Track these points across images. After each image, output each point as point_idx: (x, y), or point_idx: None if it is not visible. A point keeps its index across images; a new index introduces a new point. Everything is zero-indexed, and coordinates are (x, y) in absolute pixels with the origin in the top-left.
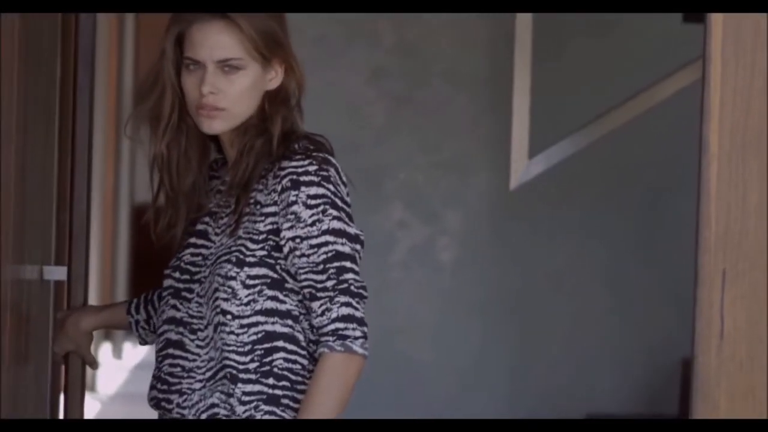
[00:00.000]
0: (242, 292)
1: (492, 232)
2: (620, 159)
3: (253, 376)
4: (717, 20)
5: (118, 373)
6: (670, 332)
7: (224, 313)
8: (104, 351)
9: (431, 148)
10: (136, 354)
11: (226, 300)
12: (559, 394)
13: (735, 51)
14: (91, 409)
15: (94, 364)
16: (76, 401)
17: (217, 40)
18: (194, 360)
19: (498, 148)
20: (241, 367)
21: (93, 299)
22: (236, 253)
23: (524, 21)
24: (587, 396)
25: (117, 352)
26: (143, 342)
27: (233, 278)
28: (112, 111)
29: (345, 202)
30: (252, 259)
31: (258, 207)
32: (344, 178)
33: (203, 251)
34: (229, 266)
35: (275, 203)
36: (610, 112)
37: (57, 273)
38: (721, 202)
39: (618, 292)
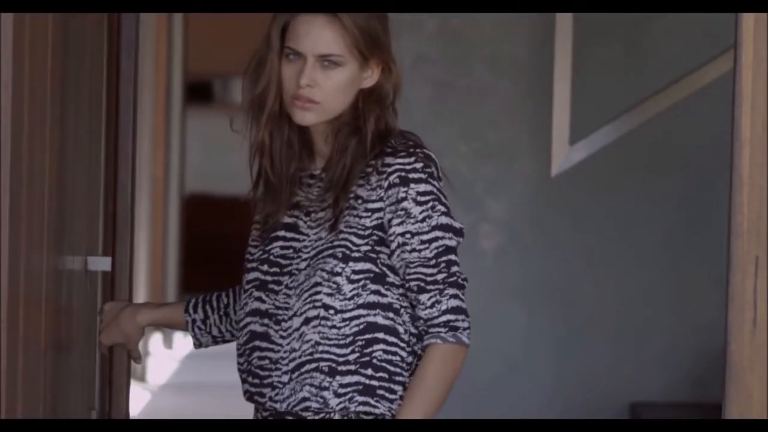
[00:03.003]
0: (347, 287)
1: (534, 219)
2: (662, 145)
3: (352, 367)
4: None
5: (168, 363)
6: (716, 318)
7: (326, 307)
8: (155, 341)
9: (473, 135)
10: (187, 344)
11: (329, 295)
12: (603, 381)
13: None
14: (141, 399)
15: (139, 359)
16: (121, 394)
17: (320, 34)
18: (278, 351)
19: (540, 135)
20: (341, 359)
21: (143, 291)
22: (342, 249)
23: None
24: (632, 383)
25: (167, 342)
26: (197, 343)
27: (338, 274)
28: (162, 101)
29: (446, 197)
30: (357, 254)
31: (360, 202)
32: (441, 174)
33: (294, 244)
34: (335, 262)
35: (381, 199)
36: (652, 97)
37: (102, 264)
38: (754, 187)
39: (662, 279)
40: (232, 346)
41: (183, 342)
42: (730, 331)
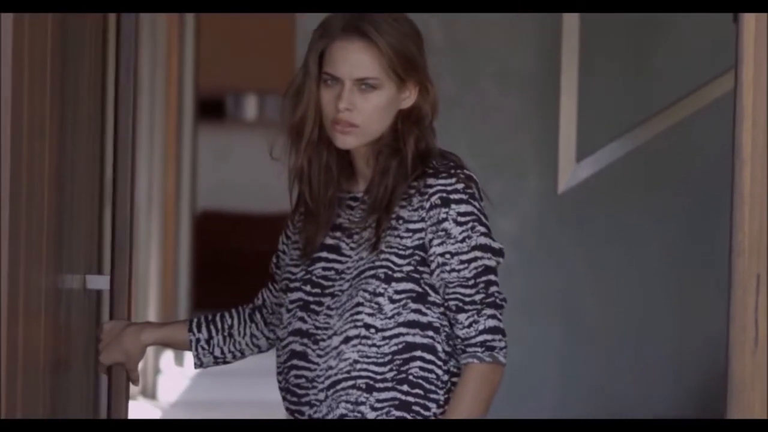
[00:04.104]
0: (388, 307)
1: (541, 234)
2: (669, 161)
3: (389, 384)
4: (749, 21)
5: (179, 381)
6: (722, 334)
7: (367, 327)
8: (166, 358)
9: (481, 150)
10: None
11: (371, 315)
12: (608, 395)
13: None
14: (152, 417)
15: (137, 381)
16: (119, 414)
17: (357, 58)
18: (314, 370)
19: (547, 151)
20: (379, 377)
21: (153, 308)
22: (384, 269)
23: (571, 21)
24: (637, 397)
25: (179, 360)
26: (198, 363)
27: (381, 294)
28: (173, 114)
29: (487, 218)
30: (399, 275)
31: (402, 222)
32: (482, 194)
33: (336, 266)
34: (377, 282)
35: (422, 219)
36: (658, 113)
37: (100, 282)
38: (755, 204)
39: (669, 295)
40: (242, 365)
41: None
42: (731, 349)
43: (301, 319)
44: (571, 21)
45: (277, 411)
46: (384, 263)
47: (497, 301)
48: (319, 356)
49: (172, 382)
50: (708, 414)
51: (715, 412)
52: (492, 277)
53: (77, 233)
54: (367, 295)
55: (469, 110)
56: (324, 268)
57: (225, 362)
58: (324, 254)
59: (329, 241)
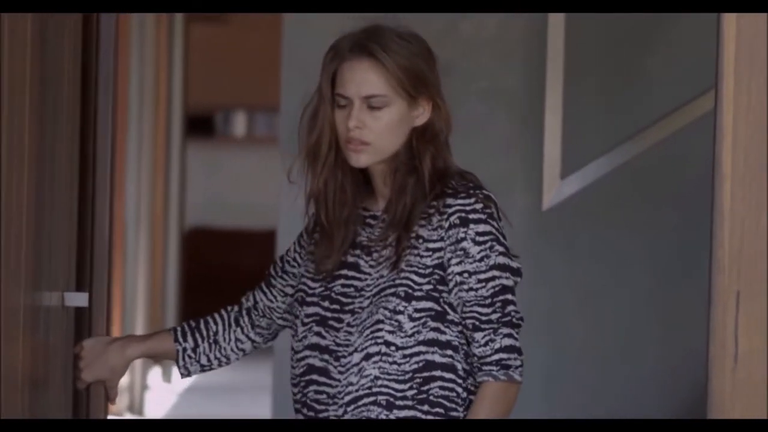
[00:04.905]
0: (408, 325)
1: (526, 252)
2: (654, 178)
3: (409, 403)
4: (729, 36)
5: (166, 397)
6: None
7: (388, 344)
8: (153, 375)
9: (467, 167)
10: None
11: (391, 332)
12: (593, 413)
13: (749, 67)
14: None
15: (115, 399)
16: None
17: (364, 77)
18: (335, 386)
19: (533, 168)
20: (399, 394)
21: (141, 324)
22: (404, 288)
23: (556, 37)
24: (626, 414)
25: (166, 376)
26: (185, 372)
27: (401, 312)
28: (162, 131)
29: (505, 237)
30: (419, 293)
31: (421, 242)
32: (501, 214)
33: (355, 283)
34: (397, 300)
35: (442, 239)
36: (645, 129)
37: (78, 299)
38: (735, 222)
39: (656, 311)
40: (229, 381)
41: None
42: (711, 365)
43: (319, 335)
44: (556, 37)
45: None
46: (404, 281)
47: (514, 320)
48: (340, 372)
49: (159, 398)
50: None
51: None
52: (509, 296)
53: (56, 250)
54: (387, 312)
55: (456, 127)
56: (343, 285)
57: (211, 369)
58: (344, 271)
59: (349, 258)
